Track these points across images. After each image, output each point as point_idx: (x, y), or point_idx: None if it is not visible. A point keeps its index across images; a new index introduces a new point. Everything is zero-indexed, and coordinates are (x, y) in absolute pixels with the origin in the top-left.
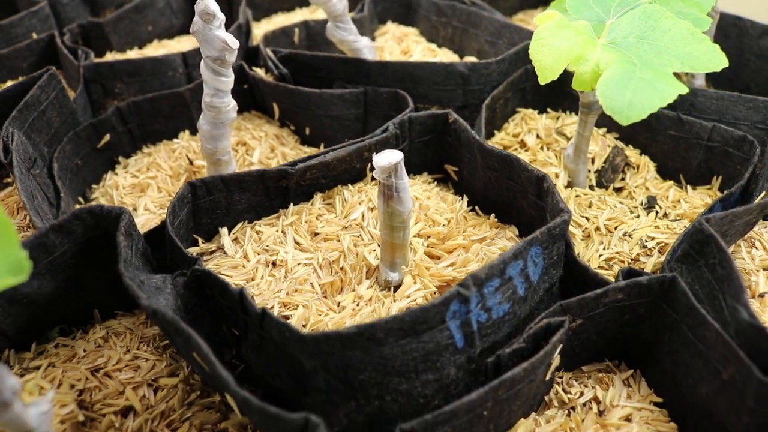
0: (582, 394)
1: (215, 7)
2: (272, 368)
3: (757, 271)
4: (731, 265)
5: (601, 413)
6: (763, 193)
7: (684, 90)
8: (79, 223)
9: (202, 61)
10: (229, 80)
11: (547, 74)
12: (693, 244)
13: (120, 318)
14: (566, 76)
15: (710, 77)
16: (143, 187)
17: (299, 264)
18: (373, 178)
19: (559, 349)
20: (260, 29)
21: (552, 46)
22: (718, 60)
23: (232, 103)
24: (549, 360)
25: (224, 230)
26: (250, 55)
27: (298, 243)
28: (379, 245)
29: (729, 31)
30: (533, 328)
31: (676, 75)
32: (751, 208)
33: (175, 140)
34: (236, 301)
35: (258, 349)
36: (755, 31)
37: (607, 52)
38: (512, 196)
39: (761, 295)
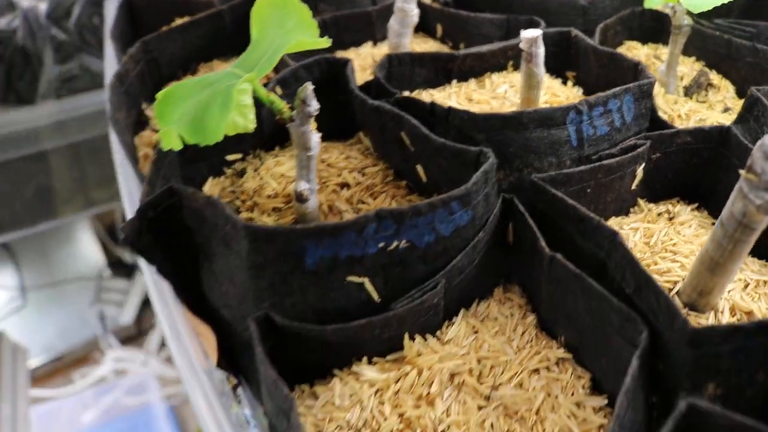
0: (657, 207)
1: None
2: None
3: None
4: None
5: (670, 219)
6: None
7: None
8: (317, 67)
9: None
10: None
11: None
12: (746, 108)
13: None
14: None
15: None
16: None
17: None
18: (514, 69)
19: (642, 166)
20: None
21: None
22: None
23: (416, 10)
24: (634, 167)
25: (406, 92)
26: None
27: (459, 104)
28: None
29: None
30: (624, 144)
31: None
32: None
33: (360, 48)
34: (427, 109)
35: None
36: None
37: None
38: (615, 84)
39: None
